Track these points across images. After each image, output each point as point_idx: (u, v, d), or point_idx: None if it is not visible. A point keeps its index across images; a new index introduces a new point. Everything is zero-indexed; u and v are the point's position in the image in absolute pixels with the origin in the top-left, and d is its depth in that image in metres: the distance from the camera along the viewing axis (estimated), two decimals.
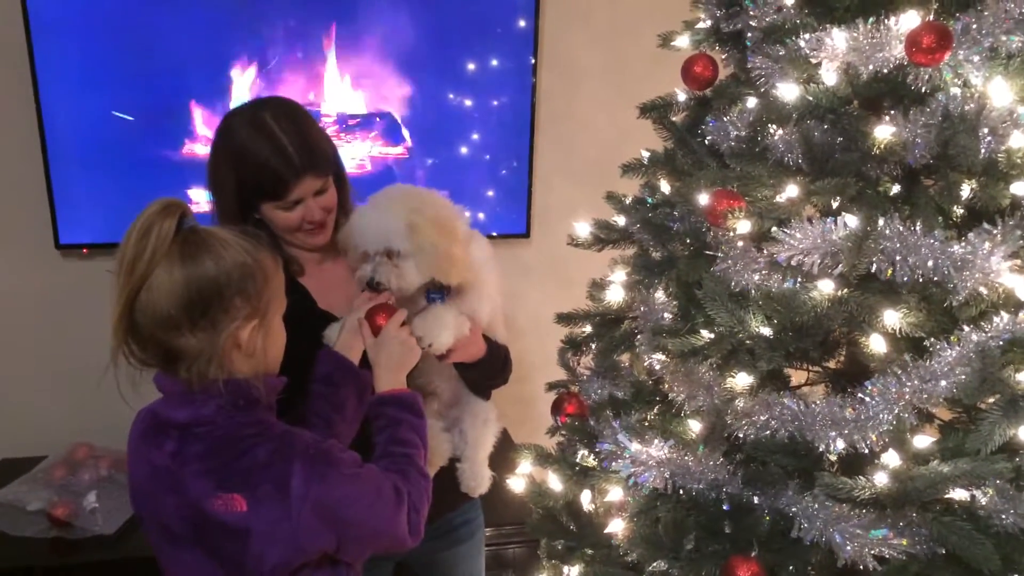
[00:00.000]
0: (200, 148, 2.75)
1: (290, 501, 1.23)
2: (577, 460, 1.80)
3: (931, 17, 1.36)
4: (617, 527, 1.64)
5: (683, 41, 1.76)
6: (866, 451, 1.38)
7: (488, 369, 1.78)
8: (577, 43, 3.00)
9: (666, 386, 1.62)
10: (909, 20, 1.35)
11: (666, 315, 1.59)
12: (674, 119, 1.80)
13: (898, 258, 1.33)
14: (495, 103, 2.95)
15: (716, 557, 1.45)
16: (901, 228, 1.34)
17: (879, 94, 1.42)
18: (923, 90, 1.37)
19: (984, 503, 1.35)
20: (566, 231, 1.96)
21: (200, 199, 2.76)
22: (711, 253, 1.53)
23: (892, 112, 1.38)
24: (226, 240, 1.27)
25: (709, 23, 1.71)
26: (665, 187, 1.77)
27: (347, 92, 2.81)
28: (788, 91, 1.45)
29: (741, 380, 1.48)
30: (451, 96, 2.91)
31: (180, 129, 2.74)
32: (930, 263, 1.32)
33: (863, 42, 1.37)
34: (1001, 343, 1.31)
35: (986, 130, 1.32)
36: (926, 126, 1.35)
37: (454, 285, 1.63)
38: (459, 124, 2.93)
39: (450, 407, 1.86)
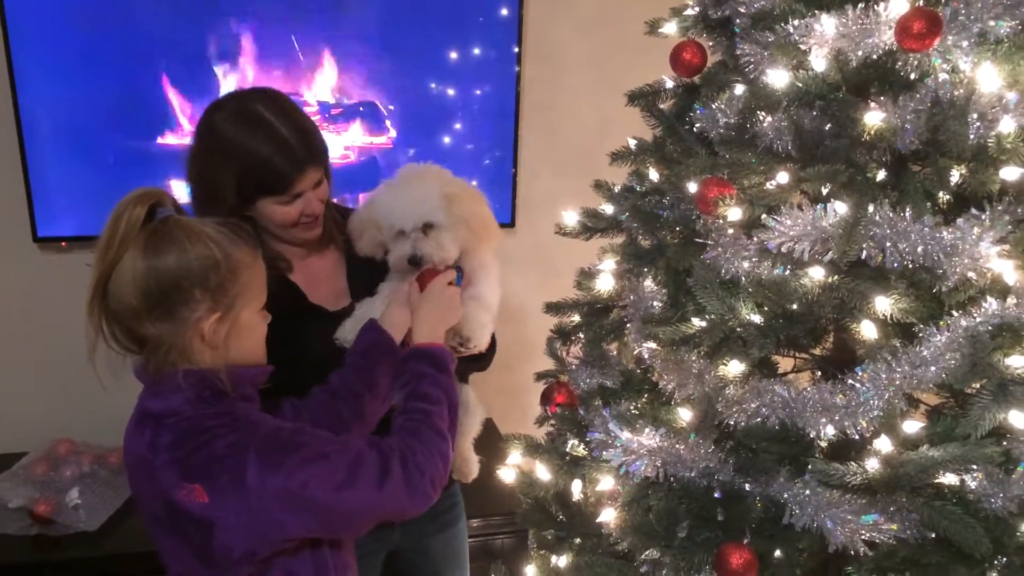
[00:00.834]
0: (177, 139, 2.71)
1: (247, 492, 1.23)
2: (567, 450, 1.79)
3: (920, 2, 1.36)
4: (608, 516, 1.64)
5: (671, 28, 1.76)
6: (856, 437, 1.38)
7: (486, 357, 1.77)
8: (561, 31, 2.99)
9: (656, 375, 1.62)
10: (898, 6, 1.35)
11: (656, 303, 1.59)
12: (662, 106, 1.79)
13: (888, 244, 1.33)
14: (479, 92, 2.93)
15: (708, 544, 1.45)
16: (891, 214, 1.34)
17: (868, 80, 1.42)
18: (912, 76, 1.37)
19: (974, 487, 1.36)
20: (551, 221, 1.95)
21: (180, 192, 2.72)
22: (701, 241, 1.52)
23: (881, 98, 1.38)
24: (196, 232, 1.27)
25: (697, 9, 1.70)
26: (654, 175, 1.76)
27: (330, 82, 2.78)
28: (777, 78, 1.45)
29: (732, 368, 1.48)
30: (435, 85, 2.88)
31: (159, 119, 2.70)
32: (920, 249, 1.32)
33: (852, 28, 1.37)
34: (990, 328, 1.32)
35: (975, 115, 1.32)
36: (915, 112, 1.35)
37: (469, 266, 1.67)
38: (443, 113, 2.91)
39: None
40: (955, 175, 1.40)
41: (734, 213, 1.44)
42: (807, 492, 1.40)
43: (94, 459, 2.62)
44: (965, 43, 1.35)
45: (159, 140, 2.71)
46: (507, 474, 1.95)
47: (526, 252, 3.12)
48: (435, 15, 2.82)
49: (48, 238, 2.71)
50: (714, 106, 1.59)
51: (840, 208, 1.35)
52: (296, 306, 1.64)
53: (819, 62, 1.41)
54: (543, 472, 1.84)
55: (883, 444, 1.39)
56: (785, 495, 1.43)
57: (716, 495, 1.50)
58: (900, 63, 1.36)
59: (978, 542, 1.29)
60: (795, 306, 1.42)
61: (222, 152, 1.53)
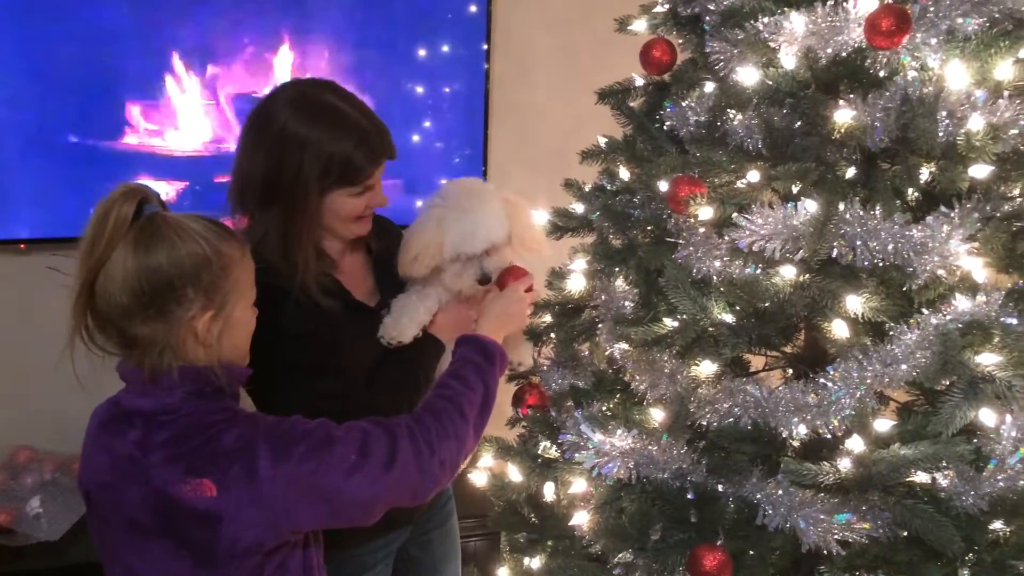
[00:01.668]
0: (136, 139, 2.66)
1: (259, 482, 1.22)
2: (539, 452, 1.78)
3: (889, 0, 1.36)
4: (581, 519, 1.63)
5: (640, 25, 1.74)
6: (829, 436, 1.38)
7: None
8: (530, 28, 2.97)
9: (628, 375, 1.60)
10: (867, 3, 1.34)
11: (628, 304, 1.58)
12: (632, 104, 1.78)
13: (859, 243, 1.33)
14: (447, 90, 2.90)
15: (682, 546, 1.45)
16: (861, 213, 1.34)
17: (838, 78, 1.41)
18: (881, 74, 1.36)
19: (945, 486, 1.36)
20: None
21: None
22: (672, 240, 1.51)
23: (851, 96, 1.37)
24: (185, 229, 1.24)
25: (666, 7, 1.69)
26: (624, 174, 1.75)
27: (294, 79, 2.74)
28: (747, 75, 1.44)
29: (704, 368, 1.47)
30: (402, 83, 2.85)
31: (118, 119, 2.64)
32: (890, 247, 1.32)
33: (822, 25, 1.36)
34: (960, 326, 1.32)
35: (944, 113, 1.32)
36: (885, 110, 1.34)
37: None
38: (411, 111, 2.88)
39: None
40: (924, 173, 1.40)
41: (705, 212, 1.43)
42: (780, 492, 1.40)
43: (56, 467, 2.56)
44: (934, 40, 1.35)
45: (116, 141, 2.66)
46: (479, 477, 1.93)
47: None
48: (403, 12, 2.79)
49: (6, 240, 2.65)
50: (684, 104, 1.58)
51: (811, 206, 1.35)
52: (345, 305, 1.62)
53: (789, 60, 1.41)
54: (515, 474, 1.82)
55: (855, 443, 1.38)
56: (758, 495, 1.42)
57: (689, 496, 1.49)
58: (869, 61, 1.36)
59: (949, 540, 1.29)
60: (767, 305, 1.42)
61: (297, 145, 1.48)
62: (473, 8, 2.84)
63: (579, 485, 1.64)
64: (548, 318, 1.83)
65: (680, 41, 1.70)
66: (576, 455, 1.55)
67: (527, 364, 1.79)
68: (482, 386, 1.47)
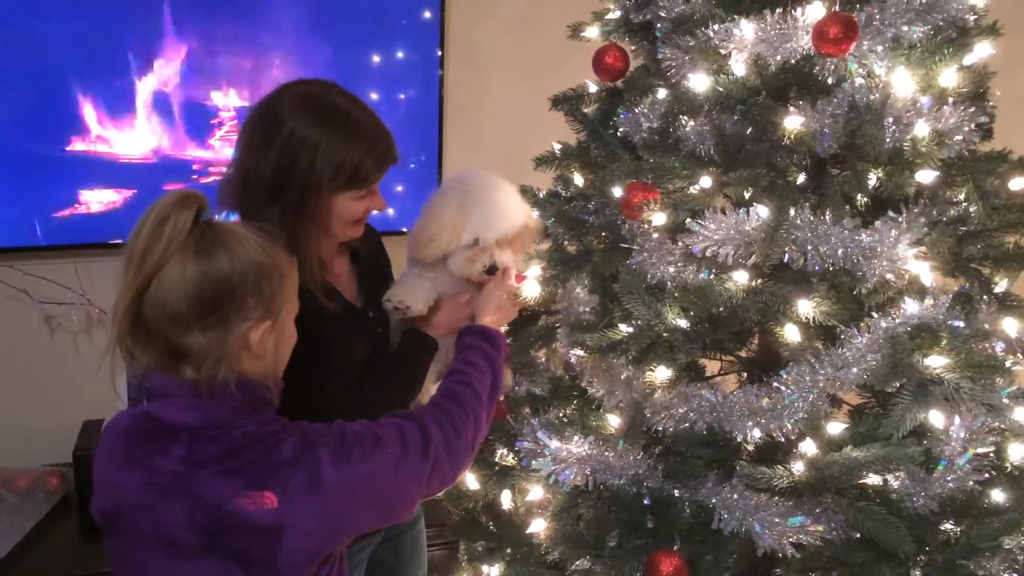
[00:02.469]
0: (86, 145, 2.60)
1: (322, 489, 1.20)
2: (496, 459, 1.77)
3: (836, 8, 1.38)
4: (538, 526, 1.62)
5: (593, 32, 1.75)
6: (782, 440, 1.39)
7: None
8: (484, 34, 2.96)
9: (584, 381, 1.60)
10: (815, 11, 1.36)
11: (584, 310, 1.58)
12: (586, 111, 1.78)
13: (809, 247, 1.35)
14: (402, 96, 2.88)
15: (639, 552, 1.45)
16: (811, 218, 1.36)
17: (787, 85, 1.43)
18: (830, 80, 1.38)
19: (896, 487, 1.38)
20: None
21: (89, 199, 2.62)
22: (627, 246, 1.52)
23: (800, 103, 1.39)
24: (244, 237, 1.21)
25: (619, 13, 1.70)
26: (579, 180, 1.75)
27: (247, 84, 2.70)
28: (699, 82, 1.45)
29: (660, 373, 1.48)
30: (357, 89, 2.80)
31: (68, 125, 2.58)
32: (840, 252, 1.34)
33: (771, 33, 1.38)
34: (909, 329, 1.34)
35: (891, 120, 1.34)
36: (833, 116, 1.36)
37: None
38: None
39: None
40: (873, 178, 1.42)
41: (659, 218, 1.43)
42: (735, 496, 1.41)
43: (1, 484, 2.49)
44: (880, 48, 1.37)
45: (68, 147, 2.59)
46: None
47: None
48: (357, 18, 2.76)
49: None
50: (637, 110, 1.59)
51: (762, 212, 1.36)
52: (345, 309, 1.62)
53: (739, 67, 1.42)
54: (472, 482, 1.81)
55: (808, 446, 1.40)
56: (714, 500, 1.43)
57: (646, 502, 1.50)
58: (818, 68, 1.37)
59: (901, 541, 1.31)
60: (720, 310, 1.43)
61: (310, 147, 1.47)
62: (427, 14, 2.82)
63: (536, 492, 1.64)
64: (504, 325, 1.83)
65: (632, 48, 1.70)
66: (533, 462, 1.54)
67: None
68: (490, 371, 1.51)
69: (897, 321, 1.35)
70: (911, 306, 1.36)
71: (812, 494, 1.37)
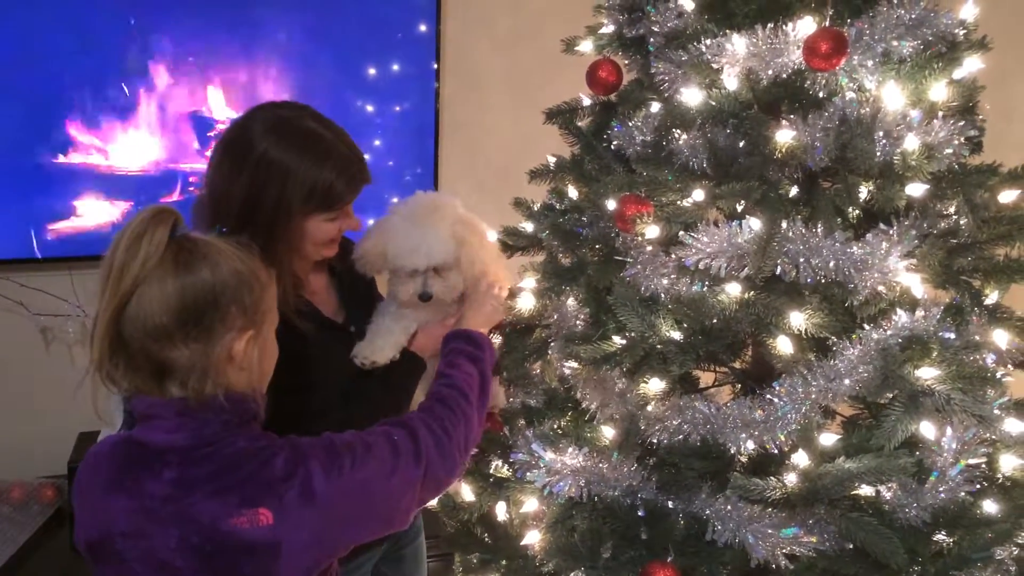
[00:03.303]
0: (80, 157, 2.60)
1: (316, 502, 1.19)
2: (491, 471, 1.77)
3: (827, 23, 1.39)
4: (533, 538, 1.62)
5: (587, 46, 1.76)
6: (776, 451, 1.40)
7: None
8: (480, 48, 2.98)
9: (578, 394, 1.61)
10: (806, 26, 1.37)
11: (578, 322, 1.58)
12: (580, 124, 1.79)
13: (801, 260, 1.36)
14: (398, 109, 2.90)
15: (633, 563, 1.45)
16: (803, 230, 1.37)
17: (779, 99, 1.44)
18: (821, 95, 1.39)
19: (889, 498, 1.39)
20: None
21: (86, 211, 2.62)
22: (621, 258, 1.52)
23: (792, 116, 1.40)
24: (221, 248, 1.21)
25: (612, 28, 1.71)
26: (573, 193, 1.76)
27: (244, 97, 2.71)
28: (691, 96, 1.46)
29: (653, 385, 1.48)
30: (353, 102, 2.84)
31: (64, 137, 2.59)
32: (832, 264, 1.34)
33: (762, 47, 1.39)
34: (900, 340, 1.35)
35: (881, 133, 1.35)
36: (824, 130, 1.37)
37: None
38: (362, 130, 2.87)
39: None
40: (864, 191, 1.44)
41: (652, 230, 1.44)
42: (728, 508, 1.41)
43: None
44: (870, 62, 1.38)
45: (64, 159, 2.60)
46: None
47: None
48: (353, 31, 2.78)
49: None
50: (631, 124, 1.60)
51: (755, 224, 1.37)
52: (318, 323, 1.61)
53: (731, 81, 1.43)
54: (467, 494, 1.81)
55: (801, 458, 1.40)
56: (707, 511, 1.43)
57: (640, 514, 1.50)
58: (809, 82, 1.39)
59: (894, 552, 1.31)
60: (713, 322, 1.43)
61: (280, 171, 1.48)
62: (423, 27, 2.84)
63: (531, 504, 1.64)
64: (498, 338, 1.83)
65: (626, 62, 1.72)
66: (528, 474, 1.54)
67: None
68: (478, 372, 1.52)
69: (888, 333, 1.36)
70: (902, 318, 1.37)
71: (805, 505, 1.37)
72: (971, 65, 1.48)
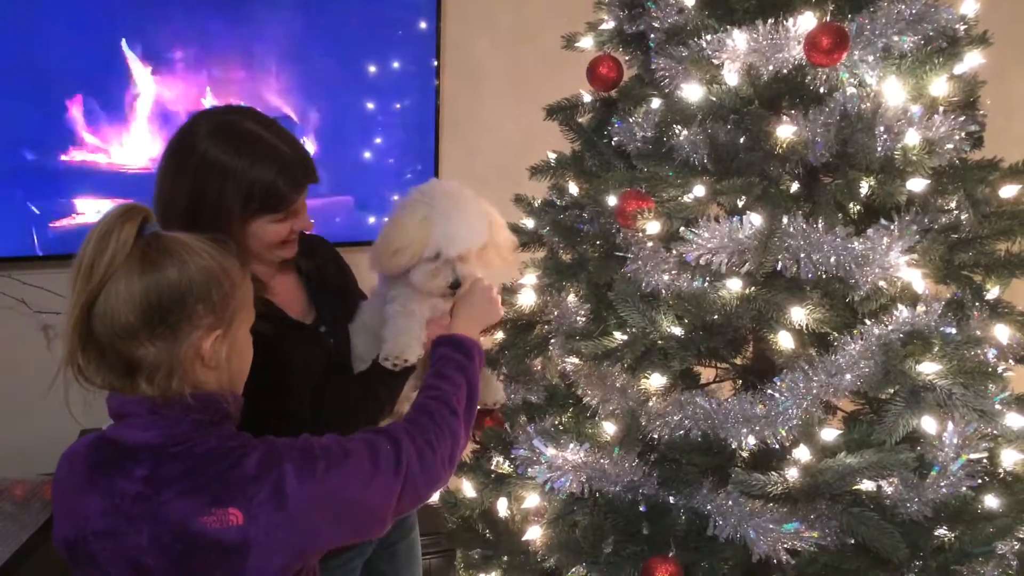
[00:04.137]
0: (83, 155, 2.60)
1: (287, 504, 1.18)
2: (492, 467, 1.77)
3: (827, 19, 1.39)
4: (534, 534, 1.62)
5: (587, 42, 1.76)
6: (777, 447, 1.40)
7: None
8: (480, 45, 2.98)
9: (580, 390, 1.61)
10: (806, 21, 1.37)
11: (579, 318, 1.58)
12: (580, 120, 1.79)
13: (802, 255, 1.36)
14: (398, 106, 2.90)
15: (634, 559, 1.45)
16: (804, 226, 1.37)
17: (780, 94, 1.44)
18: (821, 90, 1.39)
19: (890, 493, 1.39)
20: None
21: (86, 209, 2.62)
22: (621, 254, 1.52)
23: (792, 112, 1.40)
24: (191, 245, 1.21)
25: (612, 24, 1.71)
26: (573, 189, 1.76)
27: (245, 95, 2.72)
28: (692, 92, 1.46)
29: (654, 381, 1.49)
30: (353, 99, 2.84)
31: (64, 135, 2.59)
32: (832, 259, 1.34)
33: (763, 43, 1.39)
34: (901, 335, 1.35)
35: (882, 128, 1.35)
36: (825, 125, 1.37)
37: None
38: (362, 127, 2.87)
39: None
40: (864, 187, 1.43)
41: (653, 226, 1.44)
42: (730, 503, 1.41)
43: None
44: (871, 58, 1.39)
45: (65, 157, 2.60)
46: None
47: None
48: (353, 28, 2.78)
49: None
50: (631, 120, 1.60)
51: (755, 220, 1.37)
52: (281, 324, 1.60)
53: (732, 76, 1.43)
54: (469, 490, 1.81)
55: (802, 453, 1.40)
56: (708, 507, 1.44)
57: (641, 509, 1.50)
58: (809, 77, 1.39)
59: (895, 547, 1.31)
60: (714, 318, 1.44)
61: (219, 173, 1.48)
62: (423, 25, 2.84)
63: (532, 500, 1.64)
64: (501, 334, 1.83)
65: (626, 58, 1.72)
66: (529, 470, 1.55)
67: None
68: (465, 382, 1.49)
69: (890, 328, 1.36)
70: (903, 313, 1.37)
71: (806, 500, 1.38)
72: (972, 60, 1.48)
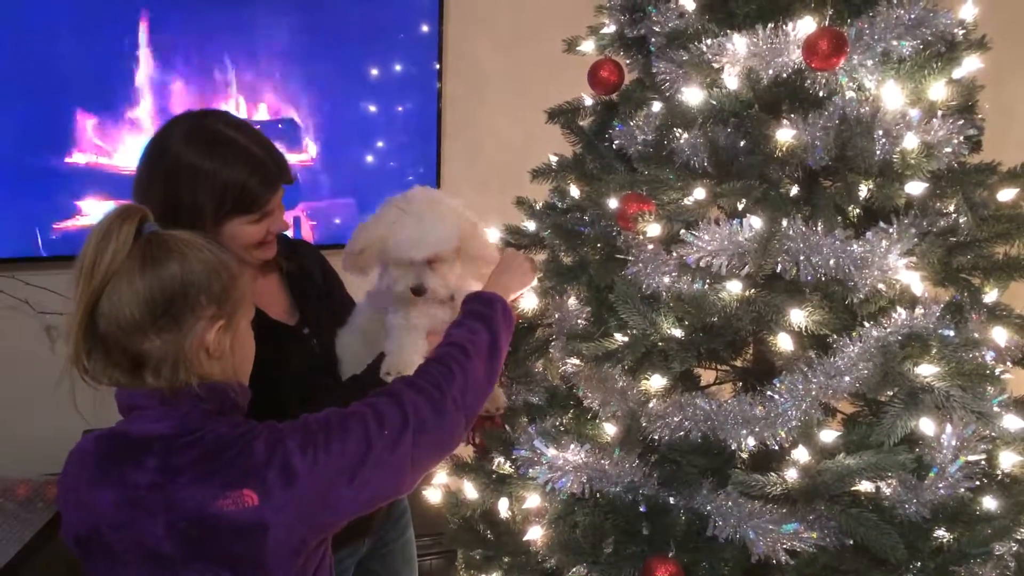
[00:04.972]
0: (86, 157, 2.62)
1: (298, 480, 1.20)
2: (493, 468, 1.78)
3: (826, 23, 1.40)
4: (535, 534, 1.63)
5: (588, 46, 1.77)
6: (776, 448, 1.41)
7: None
8: (481, 48, 2.99)
9: (580, 391, 1.62)
10: (806, 26, 1.39)
11: (580, 320, 1.59)
12: (581, 123, 1.80)
13: (802, 258, 1.37)
14: (400, 109, 2.91)
15: (634, 559, 1.46)
16: (804, 229, 1.38)
17: (779, 98, 1.45)
18: (821, 94, 1.40)
19: (888, 494, 1.40)
20: None
21: (90, 211, 2.63)
22: (622, 257, 1.53)
23: (792, 116, 1.41)
24: (190, 241, 1.23)
25: (613, 28, 1.72)
26: (574, 191, 1.77)
27: (247, 98, 2.73)
28: (692, 95, 1.47)
29: (654, 382, 1.49)
30: (355, 102, 2.85)
31: (65, 137, 2.60)
32: (832, 262, 1.35)
33: (763, 47, 1.40)
34: (900, 338, 1.36)
35: (881, 132, 1.36)
36: (824, 129, 1.38)
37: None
38: (364, 130, 2.88)
39: None
40: (863, 190, 1.44)
41: (653, 229, 1.45)
42: (729, 504, 1.42)
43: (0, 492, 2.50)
44: (870, 62, 1.39)
45: (68, 159, 2.62)
46: (434, 494, 1.93)
47: None
48: (355, 32, 2.79)
49: None
50: (632, 123, 1.61)
51: (755, 223, 1.38)
52: (262, 325, 1.60)
53: (732, 80, 1.44)
54: (470, 491, 1.82)
55: (801, 454, 1.41)
56: (708, 507, 1.44)
57: (641, 509, 1.51)
58: (809, 81, 1.39)
59: (894, 548, 1.32)
60: (714, 320, 1.44)
61: (191, 176, 1.49)
62: (425, 28, 2.85)
63: (533, 500, 1.65)
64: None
65: (627, 62, 1.73)
66: (530, 470, 1.55)
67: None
68: (485, 329, 1.49)
69: (888, 330, 1.37)
70: (902, 315, 1.38)
71: (805, 501, 1.38)
72: (970, 64, 1.49)
